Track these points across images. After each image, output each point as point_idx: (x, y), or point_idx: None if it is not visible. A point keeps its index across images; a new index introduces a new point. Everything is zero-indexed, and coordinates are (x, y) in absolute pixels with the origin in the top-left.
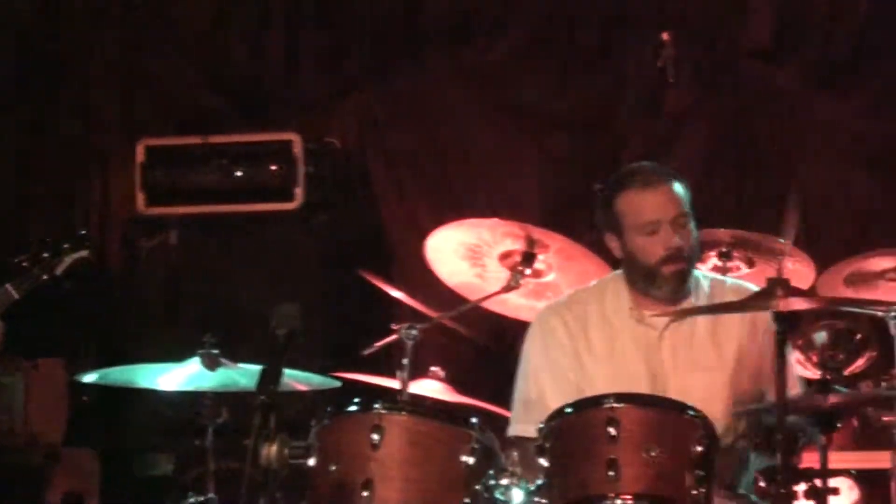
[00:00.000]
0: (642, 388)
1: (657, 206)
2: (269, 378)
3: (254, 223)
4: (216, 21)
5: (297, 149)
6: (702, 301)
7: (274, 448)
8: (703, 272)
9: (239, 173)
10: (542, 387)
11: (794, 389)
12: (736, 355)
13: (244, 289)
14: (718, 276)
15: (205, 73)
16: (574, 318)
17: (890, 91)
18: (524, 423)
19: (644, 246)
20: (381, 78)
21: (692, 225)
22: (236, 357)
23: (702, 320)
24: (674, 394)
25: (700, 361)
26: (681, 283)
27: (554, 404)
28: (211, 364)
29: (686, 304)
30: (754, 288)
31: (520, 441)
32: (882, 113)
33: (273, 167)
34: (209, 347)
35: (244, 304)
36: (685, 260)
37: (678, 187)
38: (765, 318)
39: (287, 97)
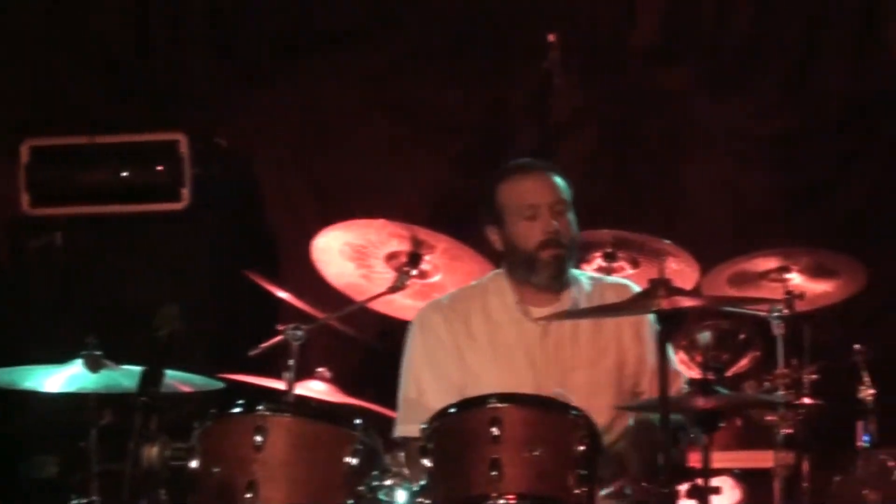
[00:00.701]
0: (525, 383)
1: (536, 190)
2: (150, 379)
3: (140, 223)
4: (104, 20)
5: (184, 149)
6: (583, 298)
7: (154, 450)
8: (584, 272)
9: (125, 173)
10: (423, 386)
11: (676, 388)
12: (617, 353)
13: (131, 289)
14: (598, 275)
15: (91, 72)
16: (456, 316)
17: (775, 93)
18: (407, 423)
19: (523, 231)
20: (269, 78)
21: (571, 215)
22: (122, 358)
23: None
24: (556, 390)
25: (583, 358)
26: (559, 269)
27: (434, 403)
28: (94, 366)
29: (566, 297)
30: (634, 286)
31: (405, 442)
32: (767, 114)
33: (159, 167)
34: (92, 349)
35: (131, 305)
36: (563, 246)
37: (557, 178)
38: (648, 318)
39: (174, 97)
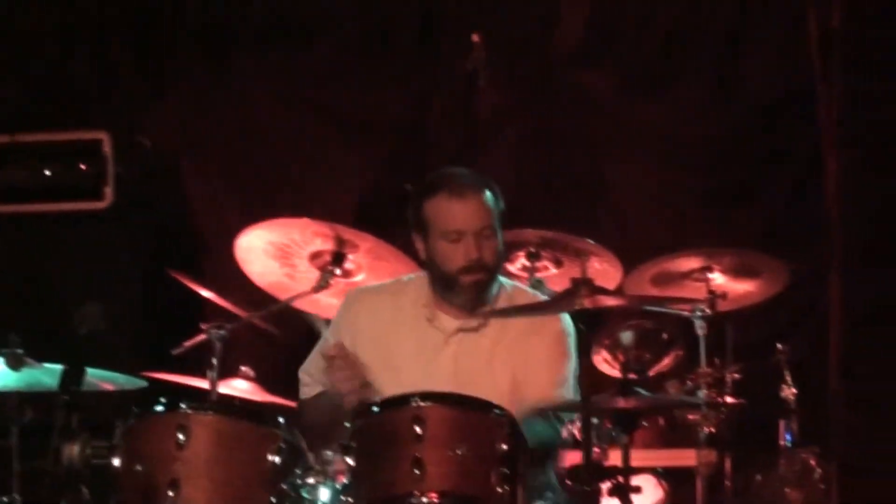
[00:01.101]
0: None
1: (463, 216)
2: (72, 377)
3: (63, 222)
4: (26, 18)
5: (107, 148)
6: (504, 305)
7: (76, 448)
8: (508, 280)
9: (48, 172)
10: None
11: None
12: (514, 375)
13: (53, 288)
14: (521, 286)
15: (13, 70)
16: (377, 307)
17: (697, 94)
18: (307, 385)
19: (446, 252)
20: (193, 78)
21: (498, 237)
22: (43, 357)
23: (489, 336)
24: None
25: (481, 376)
26: (478, 293)
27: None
28: (15, 363)
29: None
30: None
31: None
32: (690, 116)
33: (82, 166)
34: (13, 347)
35: (53, 304)
36: (485, 271)
37: (488, 198)
38: (554, 326)
39: (97, 96)
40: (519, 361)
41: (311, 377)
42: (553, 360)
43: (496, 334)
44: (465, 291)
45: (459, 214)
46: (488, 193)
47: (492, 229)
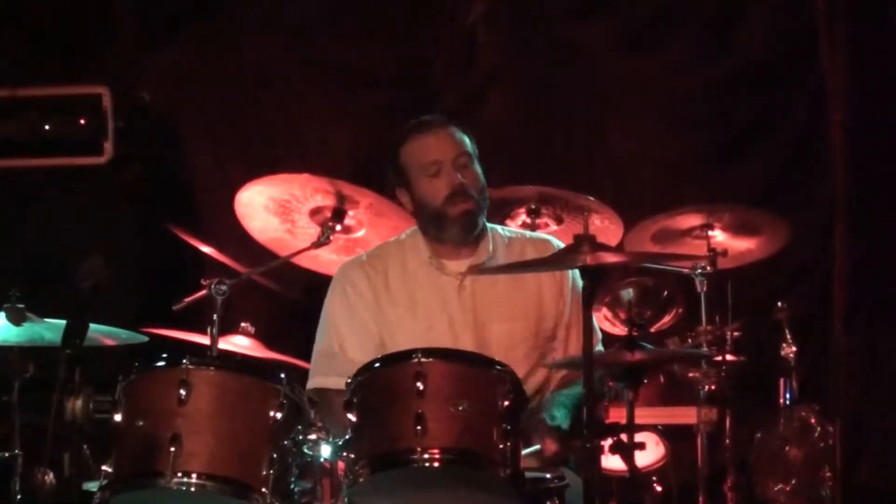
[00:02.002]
0: (443, 337)
1: (436, 146)
2: (75, 332)
3: (63, 177)
4: None
5: (107, 102)
6: (500, 251)
7: (79, 402)
8: (502, 227)
9: (47, 126)
10: (343, 339)
11: (597, 345)
12: (537, 307)
13: (53, 243)
14: (518, 230)
15: (13, 25)
16: (375, 272)
17: (696, 50)
18: (324, 374)
19: (429, 188)
20: (193, 32)
21: (477, 167)
22: (43, 311)
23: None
24: (472, 344)
25: (500, 311)
26: (470, 223)
27: (354, 356)
28: (17, 318)
29: (482, 250)
30: (556, 241)
31: (321, 393)
32: (689, 71)
33: (82, 121)
34: (15, 302)
35: (53, 259)
36: (471, 198)
37: (457, 132)
38: (568, 273)
39: (97, 50)
40: (546, 282)
41: (328, 369)
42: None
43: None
44: (456, 222)
45: (433, 145)
46: (456, 129)
47: (467, 157)
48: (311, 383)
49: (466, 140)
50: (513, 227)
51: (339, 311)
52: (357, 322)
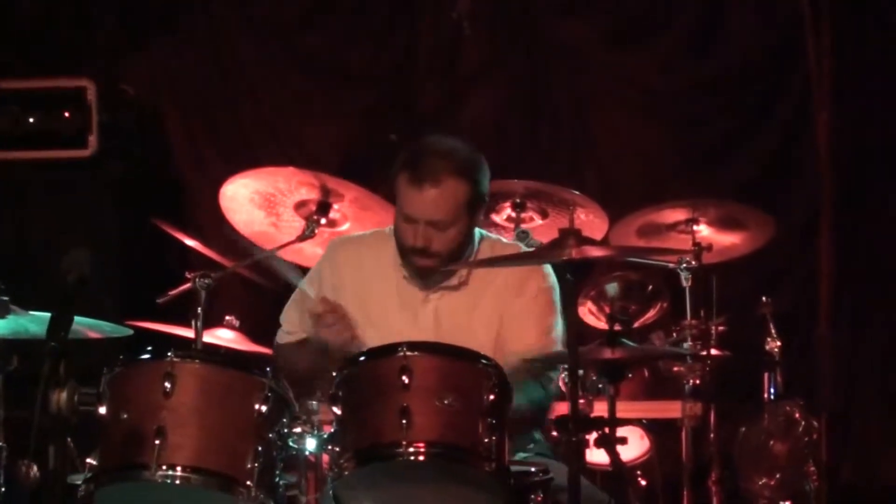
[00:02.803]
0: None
1: (417, 205)
2: (59, 324)
3: (47, 170)
4: None
5: (91, 96)
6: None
7: (63, 395)
8: (482, 232)
9: (32, 119)
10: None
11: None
12: (496, 331)
13: (37, 236)
14: (494, 236)
15: None
16: (360, 256)
17: (682, 47)
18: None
19: (400, 228)
20: (178, 27)
21: (457, 227)
22: (28, 304)
23: (468, 294)
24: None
25: (461, 332)
26: (426, 276)
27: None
28: (0, 311)
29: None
30: (522, 246)
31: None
32: (675, 68)
33: (66, 114)
34: None
35: (37, 252)
36: (432, 258)
37: (453, 188)
38: (537, 281)
39: (81, 44)
40: (504, 316)
41: (293, 326)
42: (538, 314)
43: (477, 291)
44: (414, 270)
45: (412, 202)
46: (456, 183)
47: (447, 223)
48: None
49: (458, 198)
50: (498, 223)
51: (325, 276)
52: (337, 295)
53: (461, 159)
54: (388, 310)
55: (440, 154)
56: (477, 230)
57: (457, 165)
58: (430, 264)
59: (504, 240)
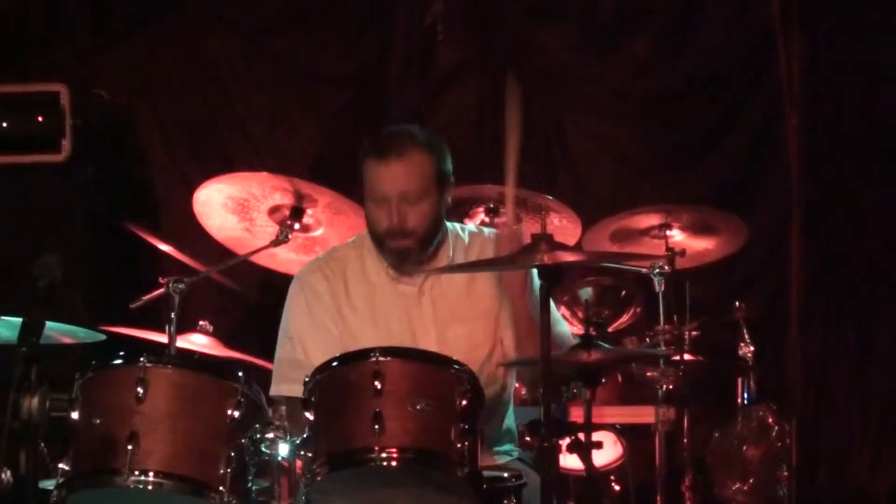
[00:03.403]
0: (403, 343)
1: (385, 179)
2: (31, 329)
3: (19, 174)
4: None
5: (65, 100)
6: (460, 253)
7: (35, 400)
8: (463, 225)
9: (5, 124)
10: (307, 347)
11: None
12: (494, 305)
13: (9, 241)
14: (476, 228)
15: None
16: (334, 275)
17: (654, 51)
18: (289, 382)
19: (373, 214)
20: (148, 30)
21: (429, 201)
22: None
23: (462, 274)
24: (434, 348)
25: (459, 314)
26: (406, 257)
27: (319, 361)
28: None
29: (443, 257)
30: None
31: (289, 401)
32: (647, 72)
33: (40, 118)
34: None
35: (9, 257)
36: (409, 236)
37: (417, 162)
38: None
39: (54, 48)
40: (501, 292)
41: (295, 377)
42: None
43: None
44: (392, 254)
45: (381, 178)
46: (421, 156)
47: (418, 194)
48: (278, 389)
49: (425, 171)
50: (470, 225)
51: (300, 317)
52: (319, 327)
53: (423, 135)
54: (389, 315)
55: (401, 131)
56: (457, 224)
57: (419, 139)
58: (408, 244)
59: (478, 230)
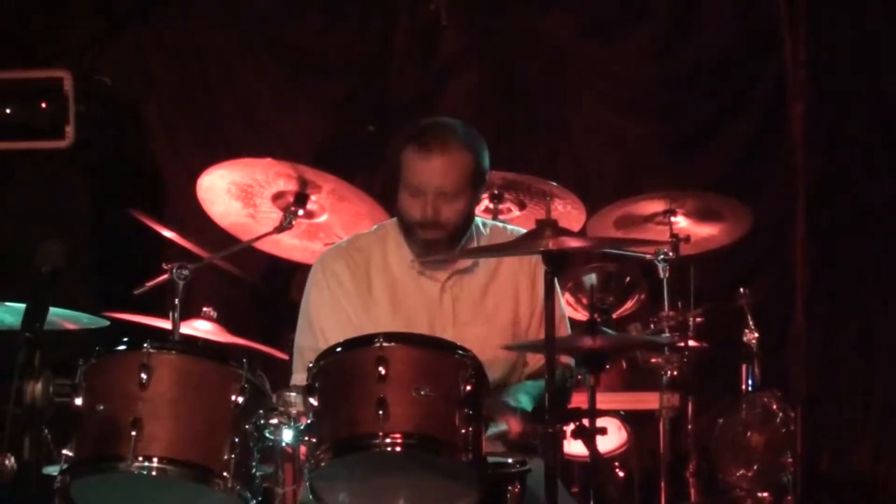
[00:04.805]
0: None
1: (424, 174)
2: (34, 315)
3: (24, 161)
4: None
5: (68, 87)
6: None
7: (39, 386)
8: (485, 219)
9: (8, 110)
10: (326, 333)
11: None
12: (512, 310)
13: (13, 227)
14: (500, 223)
15: None
16: (356, 264)
17: (659, 38)
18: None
19: (407, 203)
20: (152, 17)
21: (464, 197)
22: (2, 295)
23: (482, 273)
24: None
25: (479, 314)
26: (434, 249)
27: None
28: None
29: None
30: None
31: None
32: (652, 60)
33: (43, 105)
34: None
35: (13, 243)
36: (441, 230)
37: (459, 159)
38: (542, 269)
39: (58, 34)
40: (524, 286)
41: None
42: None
43: (489, 272)
44: (420, 245)
45: (421, 172)
46: (462, 153)
47: (455, 190)
48: (294, 380)
49: (464, 169)
50: (490, 220)
51: (321, 305)
52: (340, 313)
53: (465, 132)
54: (411, 309)
55: (446, 126)
56: (479, 219)
57: (462, 137)
58: (438, 236)
59: (499, 224)
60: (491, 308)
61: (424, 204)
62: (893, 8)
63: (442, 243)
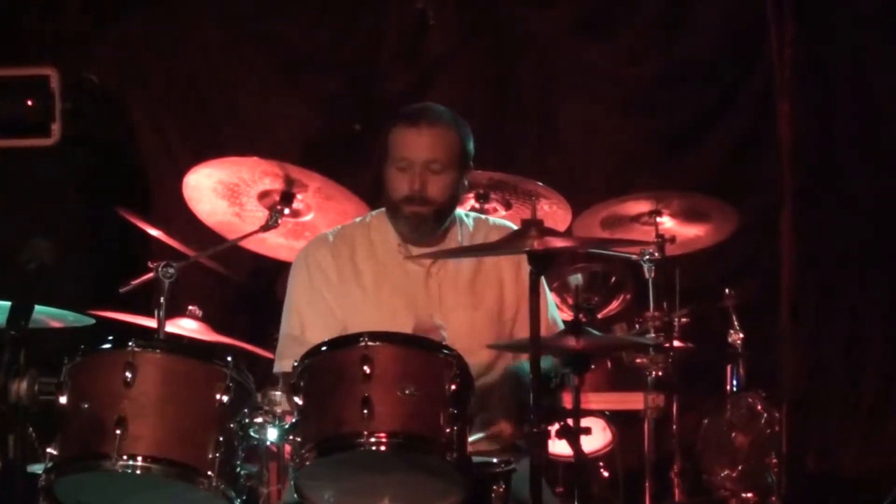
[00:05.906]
0: (406, 325)
1: (413, 144)
2: (19, 313)
3: (9, 158)
4: None
5: (55, 84)
6: (465, 239)
7: (24, 384)
8: (467, 212)
9: None
10: (305, 322)
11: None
12: (497, 296)
13: None
14: (482, 216)
15: None
16: (341, 253)
17: (647, 38)
18: (288, 358)
19: (393, 180)
20: (139, 13)
21: (449, 174)
22: None
23: (467, 259)
24: (437, 321)
25: (463, 301)
26: (419, 225)
27: (315, 340)
28: None
29: (451, 240)
30: (514, 226)
31: (285, 377)
32: (640, 59)
33: (29, 102)
34: None
35: None
36: (427, 204)
37: (447, 134)
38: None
39: (44, 32)
40: (510, 274)
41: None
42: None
43: (476, 259)
44: (407, 221)
45: (410, 143)
46: (449, 130)
47: (442, 165)
48: (278, 366)
49: (452, 145)
50: (474, 213)
51: (302, 293)
52: (321, 304)
53: (452, 115)
54: (392, 293)
55: (433, 106)
56: (462, 211)
57: (449, 117)
58: (424, 211)
59: (484, 217)
60: (477, 293)
61: (412, 177)
62: (880, 7)
63: (428, 221)
